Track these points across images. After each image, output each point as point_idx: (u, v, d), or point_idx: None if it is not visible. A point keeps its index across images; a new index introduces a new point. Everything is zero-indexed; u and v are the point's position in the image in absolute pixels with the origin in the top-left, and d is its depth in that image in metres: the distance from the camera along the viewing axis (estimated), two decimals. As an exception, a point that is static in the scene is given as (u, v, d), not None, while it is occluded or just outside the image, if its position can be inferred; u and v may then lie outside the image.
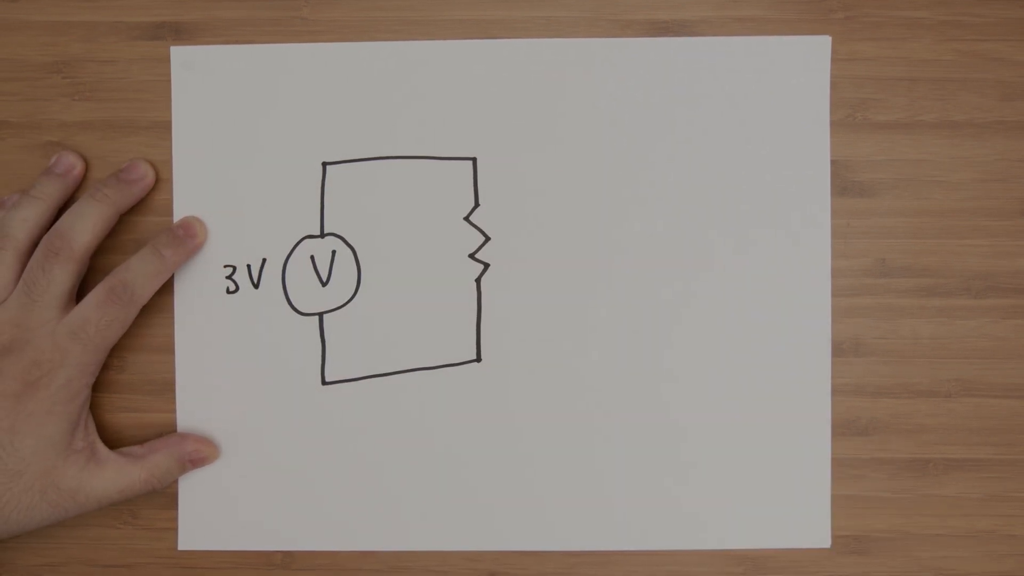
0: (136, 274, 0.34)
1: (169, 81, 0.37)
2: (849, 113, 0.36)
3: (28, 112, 0.37)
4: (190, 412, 0.37)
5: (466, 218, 0.36)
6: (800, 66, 0.36)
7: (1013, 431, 0.36)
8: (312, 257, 0.36)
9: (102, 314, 0.33)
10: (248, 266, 0.36)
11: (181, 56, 0.36)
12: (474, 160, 0.36)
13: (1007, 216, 0.36)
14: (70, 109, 0.37)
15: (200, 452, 0.36)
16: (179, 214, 0.36)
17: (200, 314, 0.36)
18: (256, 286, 0.36)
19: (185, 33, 0.37)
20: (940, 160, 0.36)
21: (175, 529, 0.37)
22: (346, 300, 0.37)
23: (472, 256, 0.36)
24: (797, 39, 0.36)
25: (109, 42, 0.37)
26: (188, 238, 0.35)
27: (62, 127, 0.37)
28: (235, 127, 0.36)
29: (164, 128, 0.37)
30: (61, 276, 0.33)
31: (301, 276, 0.36)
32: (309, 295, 0.36)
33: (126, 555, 0.37)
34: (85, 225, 0.34)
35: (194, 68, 0.36)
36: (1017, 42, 0.36)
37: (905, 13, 0.36)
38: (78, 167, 0.36)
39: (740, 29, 0.36)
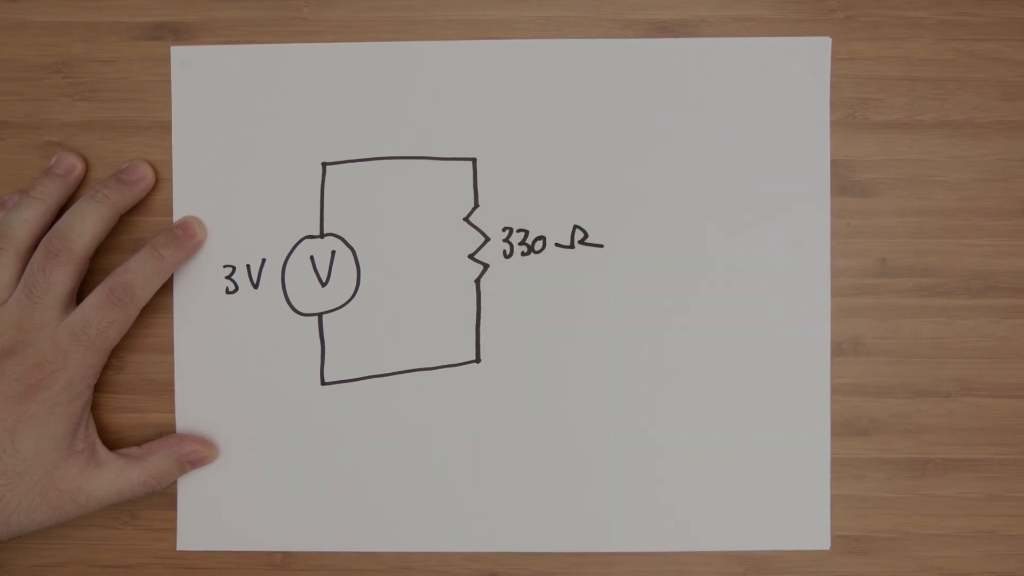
0: (135, 275, 0.34)
1: (169, 81, 0.37)
2: (849, 113, 0.36)
3: (28, 112, 0.37)
4: (189, 412, 0.37)
5: (466, 218, 0.36)
6: (800, 67, 0.36)
7: (1013, 431, 0.36)
8: (312, 257, 0.36)
9: (102, 315, 0.33)
10: (248, 266, 0.36)
11: (181, 56, 0.36)
12: (474, 160, 0.36)
13: (1007, 216, 0.36)
14: (70, 109, 0.37)
15: (199, 452, 0.36)
16: (179, 214, 0.36)
17: (199, 314, 0.36)
18: (256, 286, 0.36)
19: (185, 33, 0.37)
20: (940, 160, 0.36)
21: (175, 529, 0.37)
22: (346, 300, 0.36)
23: (472, 256, 0.36)
24: (797, 40, 0.36)
25: (109, 42, 0.37)
26: (187, 238, 0.35)
27: (62, 127, 0.37)
28: (235, 127, 0.36)
29: (164, 128, 0.37)
30: (61, 278, 0.33)
31: (301, 276, 0.36)
32: (309, 295, 0.36)
33: (126, 555, 0.37)
34: (85, 226, 0.34)
35: (194, 68, 0.36)
36: (1017, 42, 0.36)
37: (905, 13, 0.36)
38: (78, 167, 0.36)
39: (740, 29, 0.36)
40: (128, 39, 0.37)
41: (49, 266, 0.33)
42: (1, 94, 0.37)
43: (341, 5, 0.37)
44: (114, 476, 0.34)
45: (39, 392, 0.32)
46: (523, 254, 0.36)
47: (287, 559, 0.37)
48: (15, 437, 0.32)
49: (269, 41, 0.36)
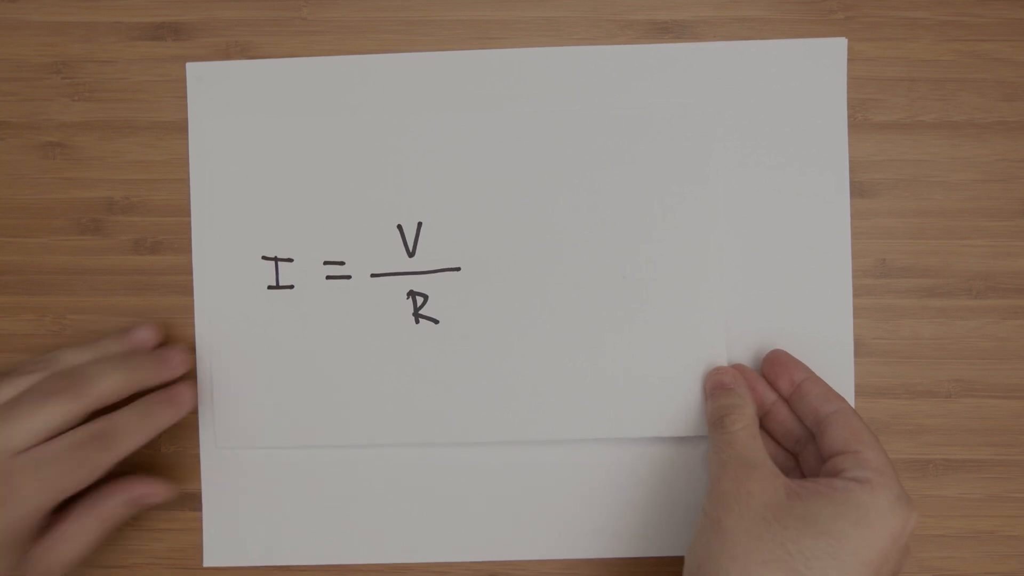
0: (122, 426, 0.32)
1: (168, 82, 0.36)
2: (849, 113, 0.36)
3: (28, 112, 0.37)
4: (209, 412, 0.37)
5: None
6: (816, 69, 0.36)
7: (1013, 431, 0.36)
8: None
9: (75, 454, 0.31)
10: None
11: (196, 71, 0.36)
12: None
13: (1007, 216, 0.36)
14: (69, 109, 0.37)
15: (150, 497, 0.34)
16: (197, 217, 0.36)
17: (223, 320, 0.36)
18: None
19: (185, 33, 0.37)
20: (940, 160, 0.36)
21: (173, 530, 0.37)
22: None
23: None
24: (813, 42, 0.36)
25: (109, 42, 0.37)
26: (180, 405, 0.34)
27: (61, 127, 0.37)
28: (249, 140, 0.36)
29: (163, 128, 0.37)
30: (54, 410, 0.31)
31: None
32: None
33: (126, 556, 0.37)
34: (106, 383, 0.32)
35: (208, 81, 0.36)
36: (1017, 42, 0.36)
37: (905, 13, 0.36)
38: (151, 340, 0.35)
39: (740, 30, 0.36)
40: (127, 39, 0.37)
41: (51, 398, 0.31)
42: (1, 94, 0.37)
43: (341, 5, 0.37)
44: (73, 549, 0.32)
45: None
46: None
47: (287, 559, 0.37)
48: None
49: (269, 41, 0.36)
